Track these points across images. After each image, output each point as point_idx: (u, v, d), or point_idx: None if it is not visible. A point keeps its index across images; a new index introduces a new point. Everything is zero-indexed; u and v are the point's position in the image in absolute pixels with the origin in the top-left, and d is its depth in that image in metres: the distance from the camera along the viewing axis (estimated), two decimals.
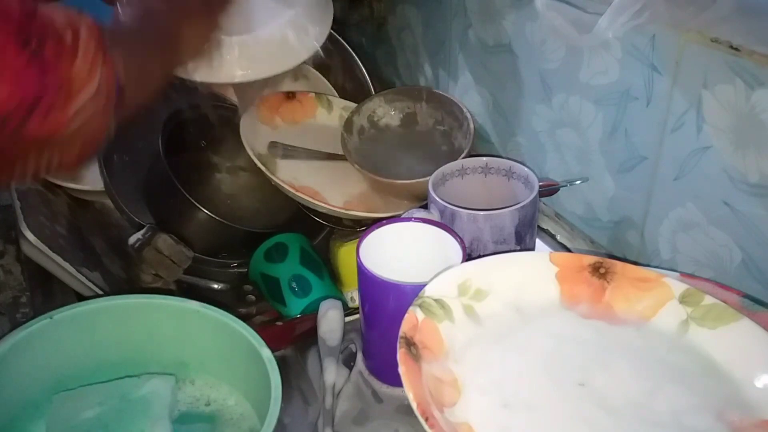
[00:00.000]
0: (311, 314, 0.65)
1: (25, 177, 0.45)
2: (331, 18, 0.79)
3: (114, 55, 0.45)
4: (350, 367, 0.60)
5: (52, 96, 0.40)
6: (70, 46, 0.42)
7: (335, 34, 0.86)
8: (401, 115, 0.83)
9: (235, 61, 0.72)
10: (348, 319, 0.63)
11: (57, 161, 0.44)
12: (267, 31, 0.73)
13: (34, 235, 0.65)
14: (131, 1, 0.57)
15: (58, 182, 0.83)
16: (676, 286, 0.48)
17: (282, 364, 0.50)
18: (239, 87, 0.81)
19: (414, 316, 0.46)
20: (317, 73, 0.90)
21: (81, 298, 0.69)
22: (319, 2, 0.78)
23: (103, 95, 0.44)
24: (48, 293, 0.69)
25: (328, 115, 0.87)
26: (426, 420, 0.38)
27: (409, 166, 0.78)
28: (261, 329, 0.53)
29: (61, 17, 0.43)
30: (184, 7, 0.60)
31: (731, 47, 0.49)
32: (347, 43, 0.93)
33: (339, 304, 0.64)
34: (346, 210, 0.73)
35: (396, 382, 0.57)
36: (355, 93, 0.91)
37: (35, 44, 0.39)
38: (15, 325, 0.53)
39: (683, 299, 0.48)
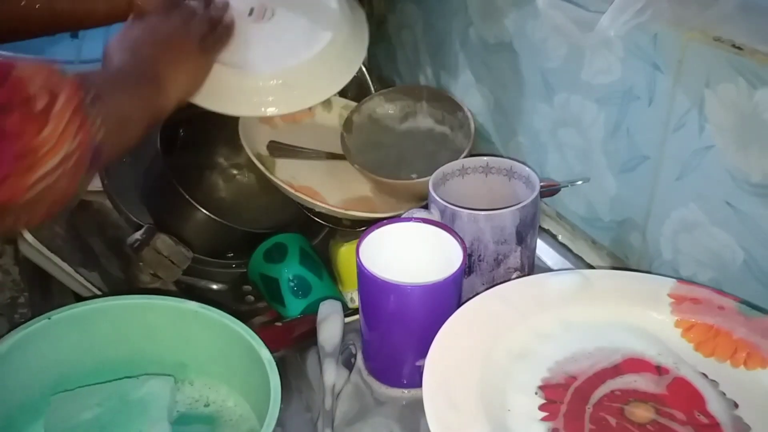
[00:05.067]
0: (311, 315, 0.65)
1: None
2: (368, 35, 0.77)
3: (93, 115, 0.44)
4: (350, 368, 0.59)
5: (8, 166, 0.40)
6: (39, 114, 0.41)
7: None
8: (401, 114, 0.83)
9: (273, 96, 0.70)
10: (348, 319, 0.63)
11: (22, 222, 0.45)
12: (306, 60, 0.71)
13: (33, 235, 0.65)
14: (121, 43, 0.56)
15: None
16: None
17: (281, 365, 0.50)
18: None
19: None
20: None
21: (79, 298, 0.68)
22: (356, 20, 0.76)
23: (73, 160, 0.43)
24: (46, 294, 0.69)
25: (328, 114, 0.87)
26: None
27: (410, 165, 0.78)
28: (260, 330, 0.53)
29: (40, 80, 0.42)
30: (175, 51, 0.60)
31: (734, 46, 0.49)
32: None
33: (339, 305, 0.64)
34: (346, 210, 0.72)
35: (396, 382, 0.57)
36: (355, 92, 0.91)
37: None
38: (13, 326, 0.53)
39: None
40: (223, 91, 0.68)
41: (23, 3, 0.62)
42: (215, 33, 0.67)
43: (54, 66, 0.44)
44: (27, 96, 0.41)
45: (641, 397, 0.46)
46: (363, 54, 0.76)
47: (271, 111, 0.71)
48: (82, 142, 0.43)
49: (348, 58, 0.74)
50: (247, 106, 0.70)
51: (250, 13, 0.73)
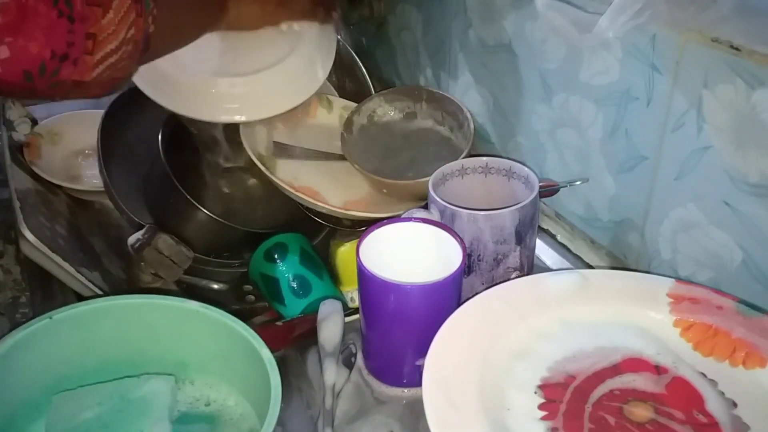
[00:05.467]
0: (311, 314, 0.65)
1: (53, 100, 0.51)
2: (335, 47, 0.81)
3: (148, 11, 0.50)
4: (350, 367, 0.60)
5: (80, 46, 0.46)
6: (102, 1, 0.47)
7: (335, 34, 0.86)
8: (401, 115, 0.83)
9: (245, 101, 0.73)
10: (348, 319, 0.63)
11: (84, 94, 0.50)
12: (278, 69, 0.74)
13: (34, 235, 0.65)
14: None
15: (58, 182, 0.83)
16: None
17: (282, 364, 0.50)
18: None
19: None
20: None
21: (80, 298, 0.69)
22: (324, 31, 0.79)
23: (130, 45, 0.49)
24: (47, 293, 0.69)
25: (328, 114, 0.87)
26: None
27: (409, 166, 0.78)
28: (261, 329, 0.53)
29: None
30: None
31: (732, 47, 0.49)
32: (347, 42, 0.93)
33: (339, 305, 0.64)
34: (346, 210, 0.73)
35: (396, 382, 0.57)
36: (355, 93, 0.91)
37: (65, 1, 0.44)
38: (14, 326, 0.53)
39: None
40: (185, 94, 0.73)
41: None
42: None
43: None
44: None
45: (640, 396, 0.47)
46: (326, 71, 0.80)
47: (225, 118, 0.75)
48: (138, 29, 0.49)
49: (310, 74, 0.78)
50: (207, 110, 0.73)
51: None
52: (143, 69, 0.60)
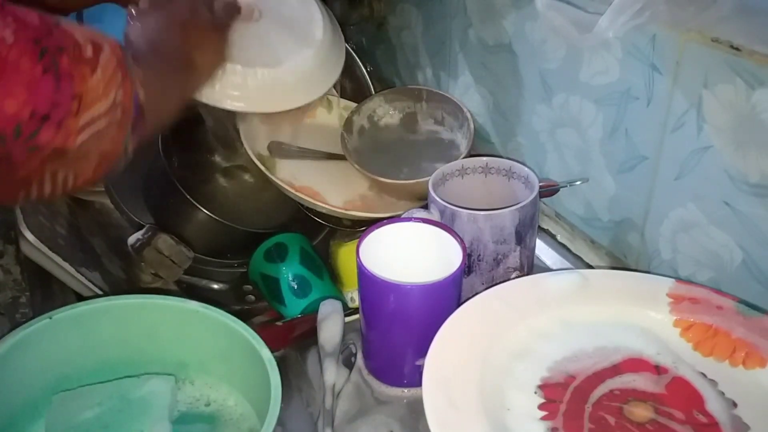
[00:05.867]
0: (311, 314, 0.65)
1: (42, 194, 0.44)
2: (344, 56, 0.80)
3: (134, 75, 0.46)
4: (350, 367, 0.60)
5: (65, 106, 0.41)
6: (90, 59, 0.43)
7: None
8: (401, 115, 0.83)
9: (250, 91, 0.71)
10: (348, 319, 0.63)
11: (73, 177, 0.45)
12: (289, 67, 0.73)
13: (34, 235, 0.65)
14: (140, 35, 0.57)
15: None
16: None
17: (282, 364, 0.50)
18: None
19: None
20: None
21: (80, 298, 0.69)
22: (334, 40, 0.78)
23: (119, 110, 0.44)
24: (47, 293, 0.69)
25: (328, 114, 0.87)
26: None
27: (409, 166, 0.78)
28: (261, 329, 0.53)
29: (84, 34, 0.44)
30: (194, 32, 0.61)
31: (732, 47, 0.49)
32: (347, 42, 0.93)
33: (339, 305, 0.64)
34: (346, 210, 0.73)
35: (396, 382, 0.57)
36: (355, 93, 0.91)
37: (51, 55, 0.40)
38: (14, 325, 0.53)
39: None
40: None
41: None
42: (224, 6, 0.66)
43: (93, 27, 0.46)
44: (76, 42, 0.42)
45: (640, 396, 0.47)
46: (335, 78, 0.78)
47: (229, 105, 0.71)
48: (126, 93, 0.45)
49: (320, 79, 0.76)
50: (209, 94, 0.70)
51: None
52: None
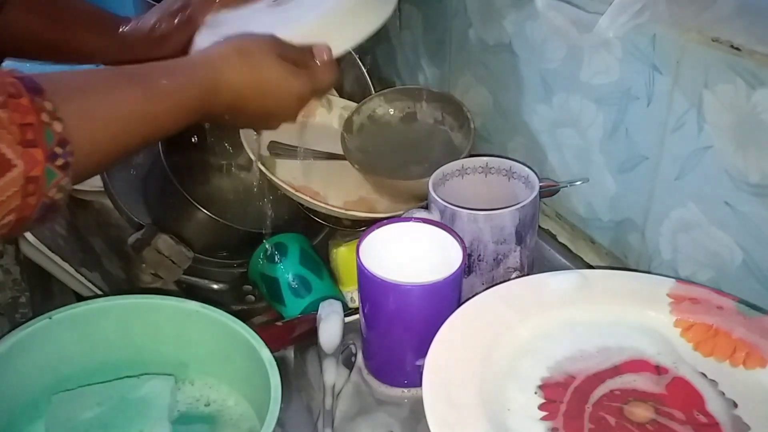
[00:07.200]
0: (311, 314, 0.65)
1: None
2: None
3: (50, 183, 0.41)
4: (350, 368, 0.60)
5: None
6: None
7: None
8: (401, 115, 0.83)
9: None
10: (348, 319, 0.63)
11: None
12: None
13: (33, 235, 0.65)
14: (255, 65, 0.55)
15: None
16: None
17: (282, 364, 0.50)
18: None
19: None
20: None
21: (80, 298, 0.69)
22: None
23: (17, 182, 0.40)
24: (47, 293, 0.69)
25: (328, 114, 0.87)
26: None
27: (410, 166, 0.78)
28: (261, 329, 0.53)
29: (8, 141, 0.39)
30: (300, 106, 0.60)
31: (732, 47, 0.49)
32: None
33: (339, 305, 0.64)
34: (346, 210, 0.73)
35: (396, 382, 0.57)
36: (355, 93, 0.91)
37: None
38: (14, 326, 0.53)
39: None
40: None
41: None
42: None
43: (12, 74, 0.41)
44: None
45: (640, 396, 0.47)
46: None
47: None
48: (29, 162, 0.40)
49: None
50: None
51: None
52: None
